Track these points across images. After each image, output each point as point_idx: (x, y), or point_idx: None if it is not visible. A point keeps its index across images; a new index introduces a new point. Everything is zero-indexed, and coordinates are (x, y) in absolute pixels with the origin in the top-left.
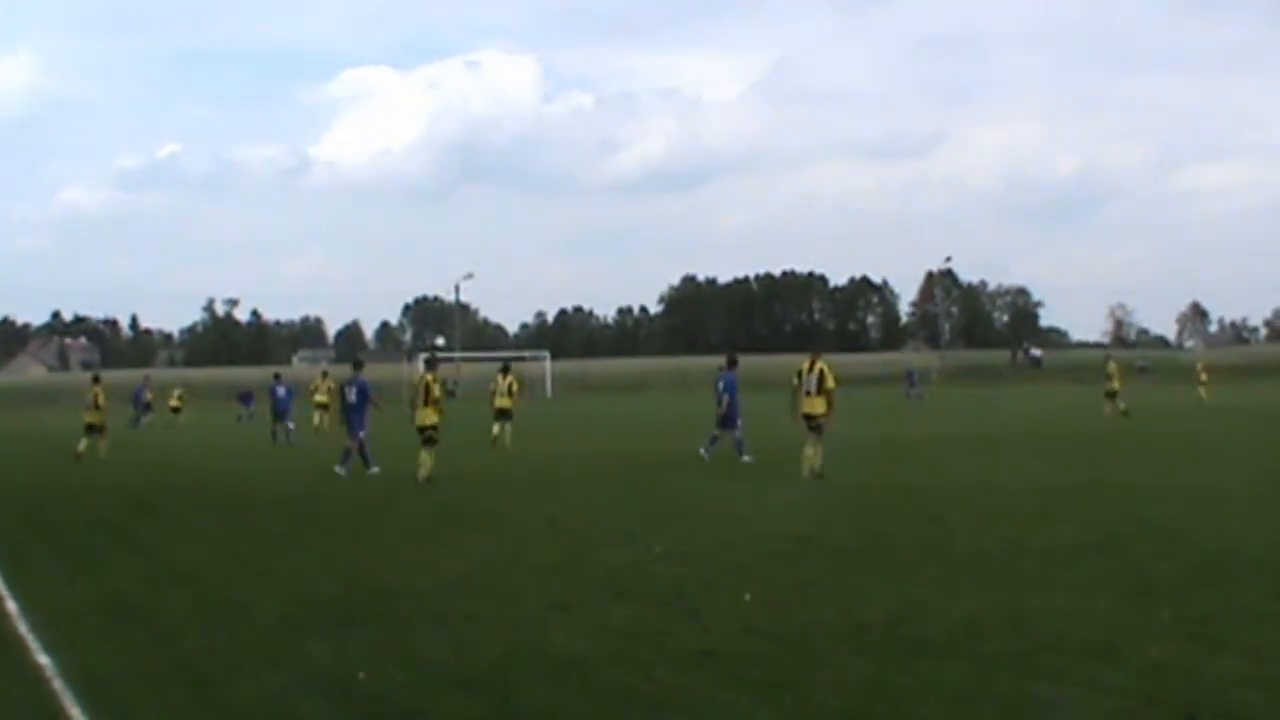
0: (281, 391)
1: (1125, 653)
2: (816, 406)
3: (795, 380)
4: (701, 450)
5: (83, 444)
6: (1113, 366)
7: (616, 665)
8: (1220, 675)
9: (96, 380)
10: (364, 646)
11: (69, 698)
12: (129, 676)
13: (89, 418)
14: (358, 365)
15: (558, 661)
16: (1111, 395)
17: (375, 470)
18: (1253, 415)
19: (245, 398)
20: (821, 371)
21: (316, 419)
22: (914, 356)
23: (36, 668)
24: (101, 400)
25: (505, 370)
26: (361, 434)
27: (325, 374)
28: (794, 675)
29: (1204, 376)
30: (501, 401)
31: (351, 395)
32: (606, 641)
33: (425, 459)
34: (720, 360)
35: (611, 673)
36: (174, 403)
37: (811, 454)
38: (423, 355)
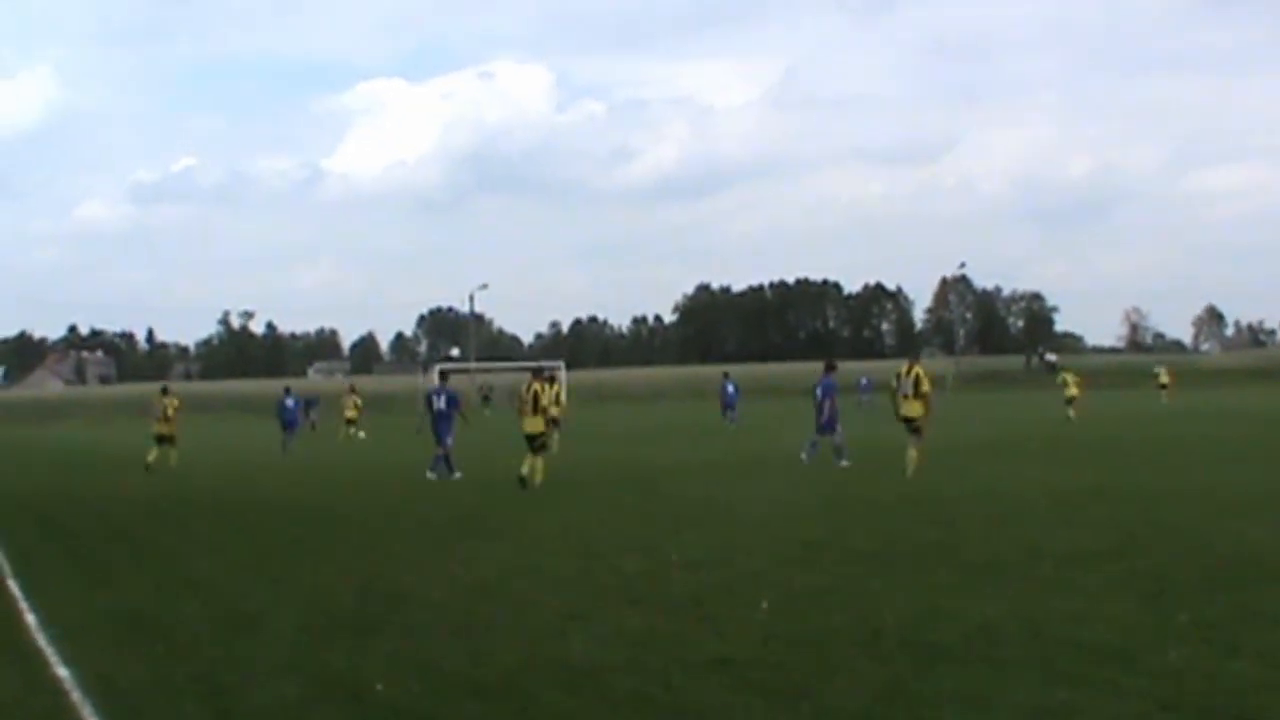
0: (290, 404)
1: (1141, 657)
2: (914, 409)
3: (893, 384)
4: (802, 455)
5: (153, 454)
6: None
7: (632, 673)
8: (1237, 680)
9: (165, 392)
10: (380, 656)
11: (88, 709)
12: (147, 688)
13: (159, 428)
14: (444, 376)
15: (574, 670)
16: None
17: (459, 475)
18: (1269, 419)
19: (309, 405)
20: (917, 376)
21: (343, 434)
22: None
23: (56, 680)
24: (171, 411)
25: (551, 380)
26: (449, 440)
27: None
28: (810, 681)
29: (1165, 380)
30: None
31: (440, 403)
32: (622, 649)
33: (536, 464)
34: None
35: (628, 681)
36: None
37: (915, 456)
38: (535, 365)
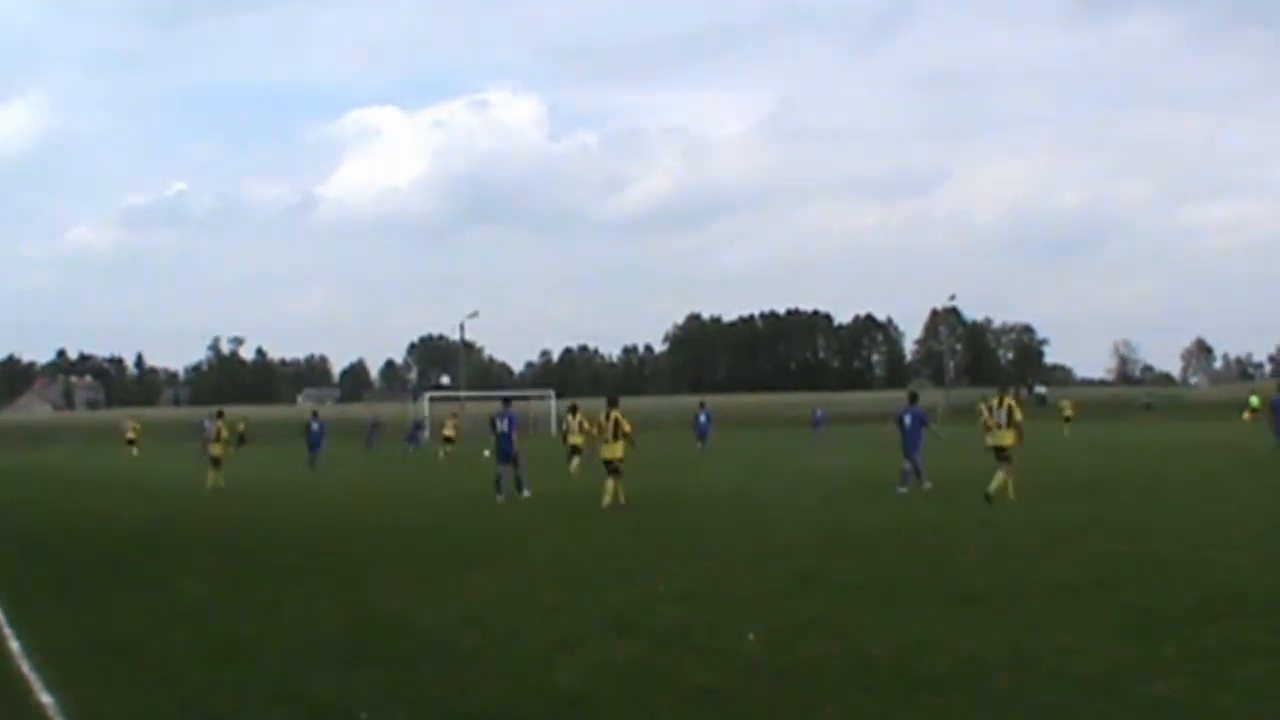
0: (315, 427)
1: (1128, 689)
2: (1006, 438)
3: (985, 414)
4: (925, 484)
5: (211, 476)
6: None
7: (620, 703)
8: (1223, 713)
9: (220, 415)
10: (368, 685)
11: None
12: (132, 715)
13: (214, 450)
14: (507, 401)
15: (561, 700)
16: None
17: (526, 493)
18: (1256, 452)
19: (417, 427)
20: (1009, 407)
21: (442, 453)
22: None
23: (39, 707)
24: (224, 433)
25: (574, 410)
26: (513, 463)
27: (574, 409)
28: (798, 713)
29: (1069, 413)
30: (575, 439)
31: (504, 425)
32: (610, 679)
33: (611, 487)
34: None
35: (615, 711)
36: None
37: (1002, 479)
38: (607, 397)
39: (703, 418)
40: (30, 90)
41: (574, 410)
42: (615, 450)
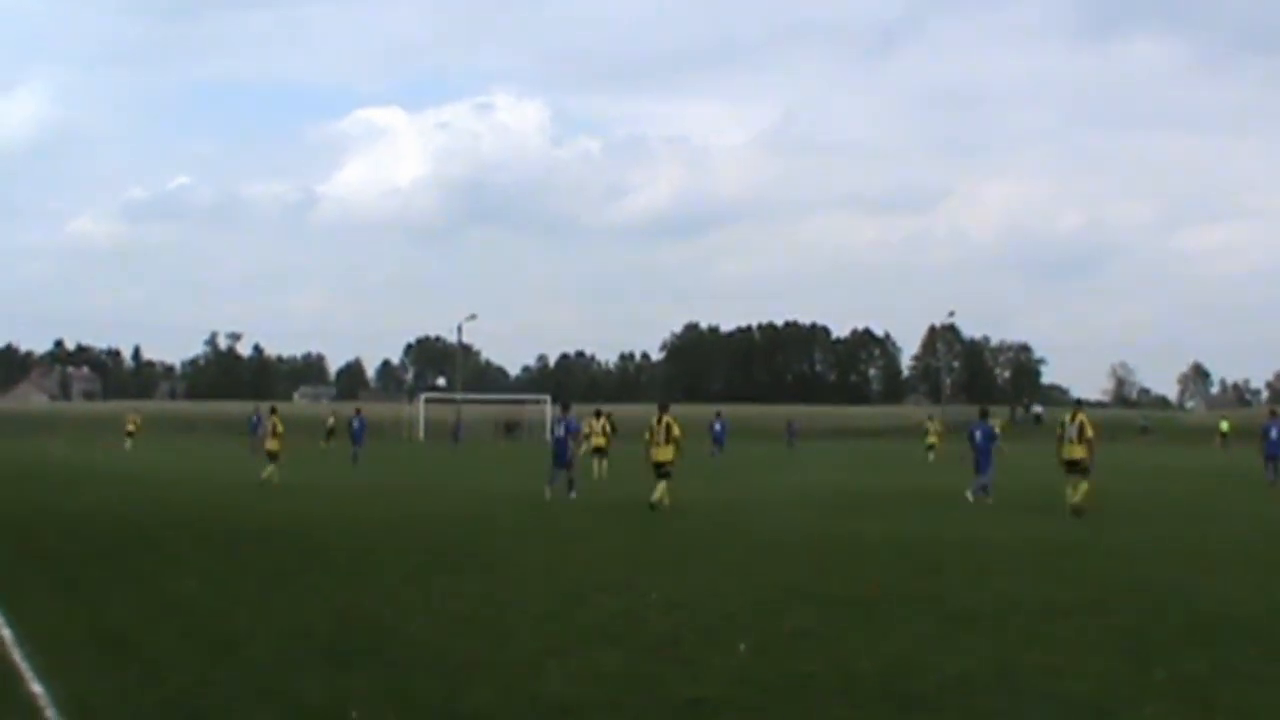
0: (357, 424)
1: (1118, 713)
2: (1079, 452)
3: (1059, 430)
4: (987, 498)
5: (267, 470)
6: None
7: (608, 712)
8: None
9: (274, 411)
10: (357, 685)
11: None
12: (121, 709)
13: (270, 445)
14: (565, 407)
15: (550, 707)
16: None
17: (574, 495)
18: (1250, 477)
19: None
20: (1081, 423)
21: (596, 468)
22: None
23: (30, 696)
24: (280, 428)
25: (599, 414)
26: (567, 465)
27: (599, 413)
28: None
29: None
30: (599, 441)
31: (561, 430)
32: (599, 688)
33: (660, 489)
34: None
35: (603, 719)
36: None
37: (1074, 492)
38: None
39: (718, 426)
40: (34, 82)
41: (598, 414)
42: (666, 454)
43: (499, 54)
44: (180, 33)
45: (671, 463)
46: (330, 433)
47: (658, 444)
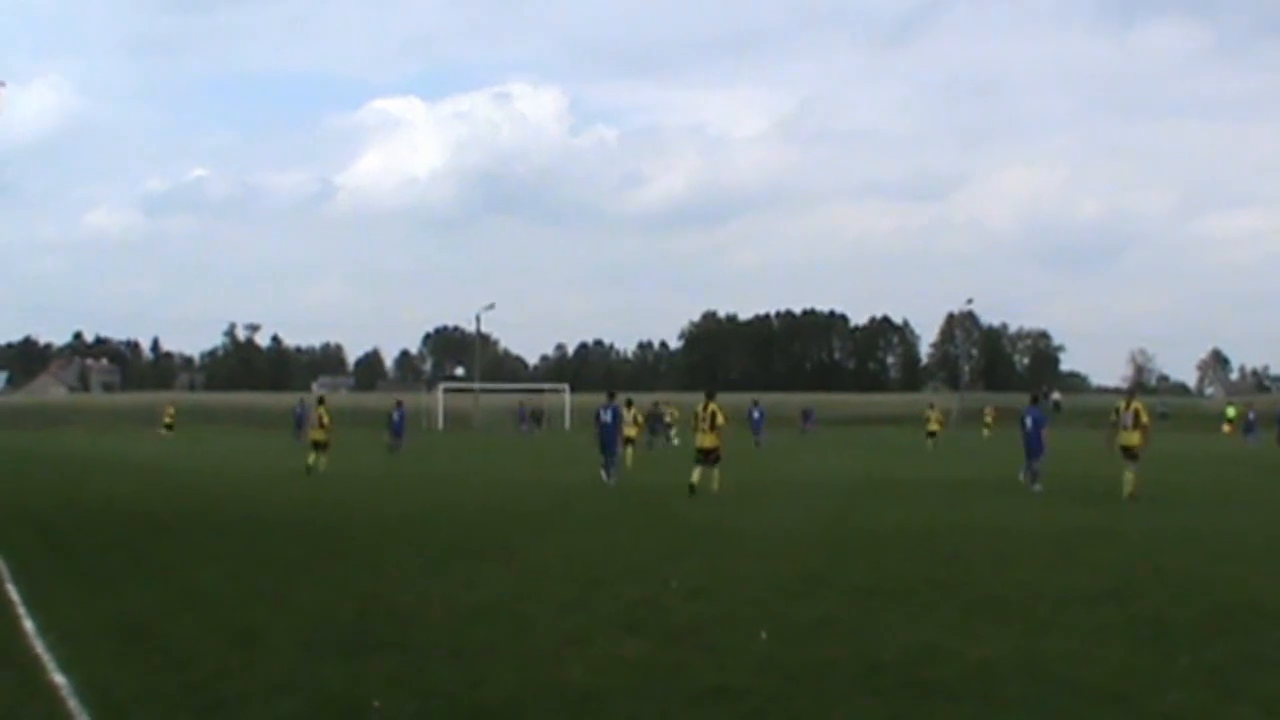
0: (397, 416)
1: (1140, 700)
2: (1133, 439)
3: (1113, 416)
4: (1023, 480)
5: (311, 458)
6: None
7: (630, 700)
8: None
9: (321, 402)
10: (378, 675)
11: (84, 717)
12: (143, 698)
13: (315, 435)
14: (611, 395)
15: (571, 695)
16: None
17: (612, 482)
18: (1270, 464)
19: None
20: (1136, 410)
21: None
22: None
23: (52, 686)
24: (327, 420)
25: (629, 404)
26: (618, 450)
27: (629, 403)
28: (807, 714)
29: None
30: (629, 431)
31: (607, 416)
32: (620, 676)
33: (711, 474)
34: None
35: (625, 707)
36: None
37: (1131, 478)
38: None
39: (756, 414)
40: (51, 74)
41: (629, 404)
42: (710, 439)
43: (516, 43)
44: (197, 24)
45: (717, 449)
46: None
47: (703, 430)
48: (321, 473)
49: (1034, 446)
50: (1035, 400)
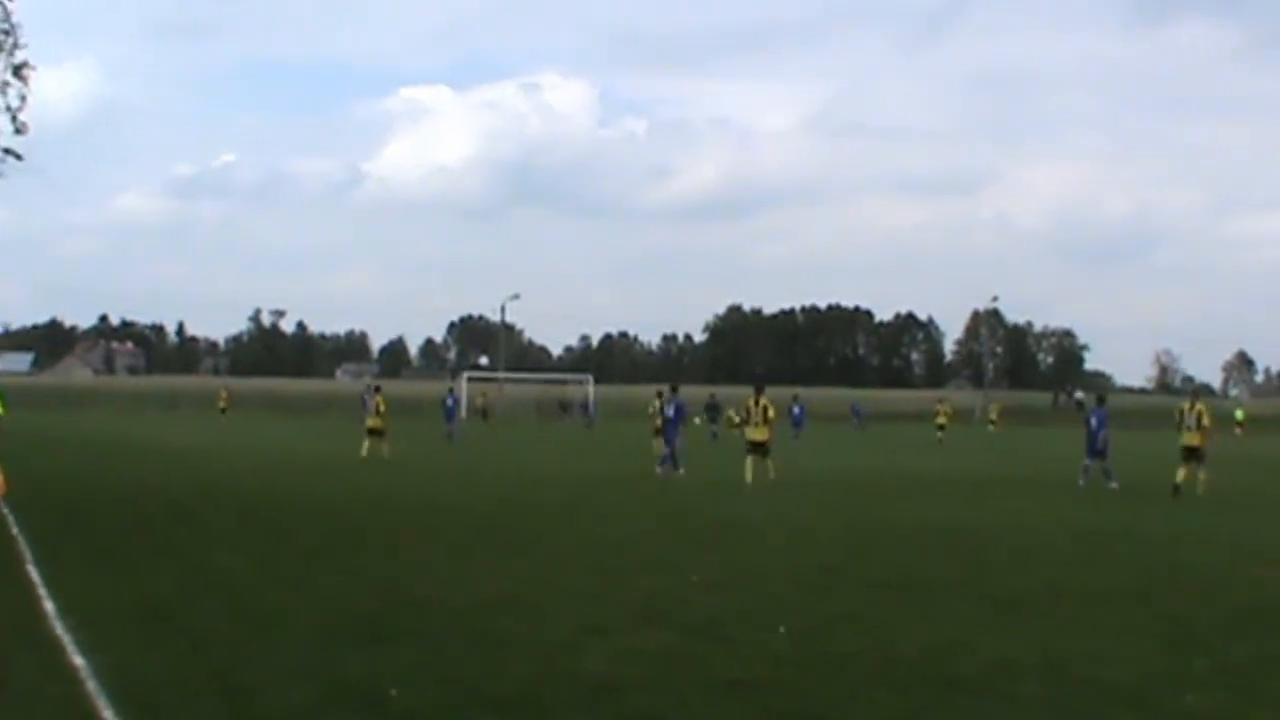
0: (450, 403)
1: (1160, 701)
2: (1196, 439)
3: (1178, 417)
4: (1079, 480)
5: (365, 447)
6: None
7: (648, 691)
8: None
9: (378, 390)
10: (397, 663)
11: (103, 700)
12: (162, 681)
13: (371, 423)
14: (675, 389)
15: (590, 685)
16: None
17: (681, 472)
18: None
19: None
20: (1199, 412)
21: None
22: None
23: (72, 668)
24: (383, 407)
25: (660, 394)
26: (677, 442)
27: (660, 394)
28: (826, 708)
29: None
30: (658, 422)
31: (670, 411)
32: (639, 667)
33: (766, 465)
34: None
35: (643, 698)
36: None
37: (1204, 476)
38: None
39: (796, 409)
40: (83, 57)
41: (660, 395)
42: (762, 433)
43: (546, 34)
44: (229, 9)
45: (768, 441)
46: (484, 413)
47: (756, 424)
48: (385, 459)
49: (1097, 446)
50: (1102, 401)
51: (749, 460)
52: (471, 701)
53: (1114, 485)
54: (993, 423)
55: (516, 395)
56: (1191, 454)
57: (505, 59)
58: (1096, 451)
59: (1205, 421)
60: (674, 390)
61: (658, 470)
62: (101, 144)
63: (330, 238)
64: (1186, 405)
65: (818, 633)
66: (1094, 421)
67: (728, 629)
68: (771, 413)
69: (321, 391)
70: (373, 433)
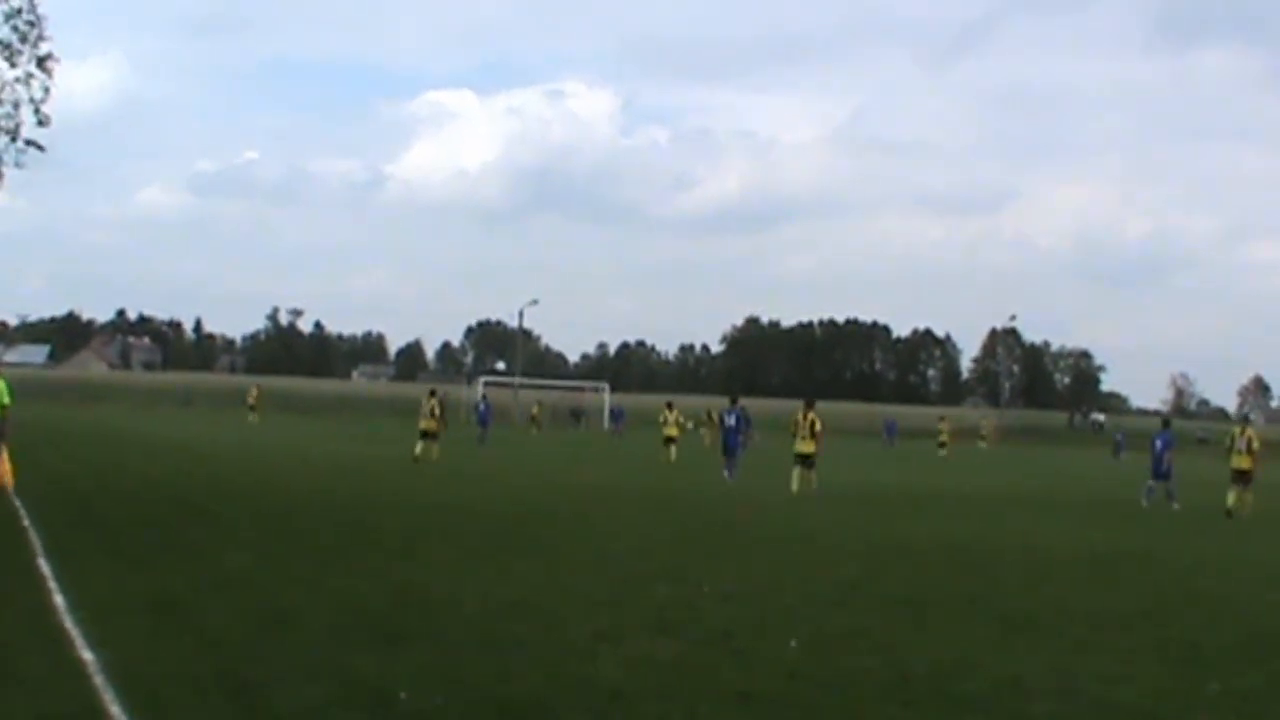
0: (482, 408)
1: None
2: (1245, 462)
3: (1228, 442)
4: (1142, 501)
5: (419, 448)
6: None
7: (659, 700)
8: None
9: (433, 394)
10: (408, 665)
11: (110, 695)
12: (171, 678)
13: (425, 425)
14: (734, 399)
15: (600, 693)
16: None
17: (729, 477)
18: None
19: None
20: (1250, 438)
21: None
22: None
23: (80, 663)
24: (438, 410)
25: (670, 405)
26: (740, 452)
27: (670, 405)
28: None
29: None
30: (670, 431)
31: (730, 420)
32: (650, 676)
33: (809, 478)
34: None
35: (653, 707)
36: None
37: (1250, 499)
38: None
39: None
40: (108, 52)
41: (670, 406)
42: (809, 446)
43: (572, 42)
44: (254, 7)
45: (815, 454)
46: (534, 420)
47: (803, 437)
48: (433, 461)
49: (1162, 468)
50: (1167, 424)
51: (796, 471)
52: (481, 705)
53: (1176, 506)
54: (983, 439)
55: (529, 401)
56: (1241, 477)
57: (530, 65)
58: (1161, 473)
59: (1255, 446)
60: (734, 401)
61: (725, 475)
62: (125, 138)
63: (350, 238)
64: (1238, 430)
65: (829, 647)
66: (1159, 444)
67: (739, 641)
68: (819, 427)
69: (338, 392)
70: (426, 435)
